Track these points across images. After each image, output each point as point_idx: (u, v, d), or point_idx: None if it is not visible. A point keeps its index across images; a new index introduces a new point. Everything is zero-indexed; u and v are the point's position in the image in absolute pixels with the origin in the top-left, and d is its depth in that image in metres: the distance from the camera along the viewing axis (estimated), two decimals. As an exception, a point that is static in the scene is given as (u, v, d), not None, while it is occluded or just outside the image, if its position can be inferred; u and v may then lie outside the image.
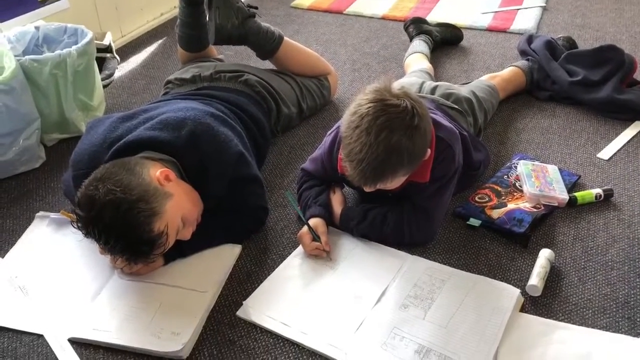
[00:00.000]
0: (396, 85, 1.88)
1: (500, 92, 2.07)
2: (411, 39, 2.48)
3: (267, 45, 2.02)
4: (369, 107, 1.29)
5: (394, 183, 1.38)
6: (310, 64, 2.11)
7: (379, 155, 1.27)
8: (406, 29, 2.54)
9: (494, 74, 2.16)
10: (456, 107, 1.76)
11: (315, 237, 1.51)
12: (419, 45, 2.38)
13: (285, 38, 2.05)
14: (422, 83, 1.88)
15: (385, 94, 1.31)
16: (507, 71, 2.19)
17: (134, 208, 1.28)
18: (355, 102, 1.34)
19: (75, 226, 1.34)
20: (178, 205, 1.37)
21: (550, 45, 2.24)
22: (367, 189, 1.40)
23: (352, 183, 1.44)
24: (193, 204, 1.46)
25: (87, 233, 1.31)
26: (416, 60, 2.28)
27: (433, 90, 1.83)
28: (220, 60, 2.13)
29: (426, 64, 2.22)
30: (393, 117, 1.28)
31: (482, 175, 1.77)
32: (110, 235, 1.28)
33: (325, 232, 1.53)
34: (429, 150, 1.39)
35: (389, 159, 1.28)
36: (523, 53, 2.33)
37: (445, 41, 2.55)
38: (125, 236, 1.29)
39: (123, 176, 1.31)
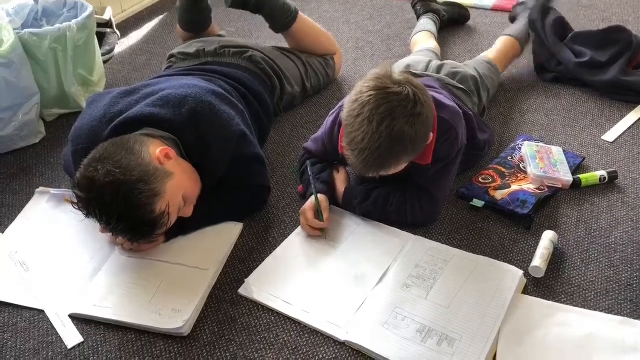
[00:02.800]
0: (402, 64, 1.87)
1: (499, 66, 2.05)
2: (418, 17, 2.45)
3: (283, 17, 1.96)
4: (370, 96, 1.27)
5: (397, 170, 1.37)
6: (322, 43, 2.08)
7: (382, 145, 1.26)
8: (414, 6, 2.50)
9: (490, 50, 2.13)
10: (462, 87, 1.74)
11: (319, 213, 1.50)
12: (427, 23, 2.35)
13: (300, 13, 2.01)
14: (429, 62, 1.85)
15: (386, 81, 1.29)
16: (501, 43, 2.15)
17: (134, 189, 1.27)
18: (356, 89, 1.32)
19: (76, 207, 1.32)
20: (179, 184, 1.36)
21: (560, 23, 2.19)
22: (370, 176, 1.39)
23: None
24: (193, 182, 1.45)
25: (88, 214, 1.30)
26: (423, 39, 2.25)
27: (439, 69, 1.80)
28: (222, 36, 2.10)
29: (433, 44, 2.19)
30: (395, 106, 1.26)
31: (486, 156, 1.76)
32: (112, 216, 1.27)
33: (327, 209, 1.52)
34: (431, 134, 1.38)
35: (391, 148, 1.27)
36: (530, 22, 2.24)
37: (452, 21, 2.51)
38: (127, 217, 1.28)
39: (123, 156, 1.29)
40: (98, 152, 1.31)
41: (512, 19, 2.36)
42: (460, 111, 1.52)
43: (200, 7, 1.92)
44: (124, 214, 1.27)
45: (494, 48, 2.13)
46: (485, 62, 1.99)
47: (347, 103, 1.32)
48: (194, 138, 1.44)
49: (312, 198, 1.52)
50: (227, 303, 1.36)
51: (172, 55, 1.89)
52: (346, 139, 1.32)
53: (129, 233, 1.33)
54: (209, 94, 1.50)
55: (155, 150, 1.35)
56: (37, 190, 1.68)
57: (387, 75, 1.31)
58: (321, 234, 1.50)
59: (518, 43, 2.15)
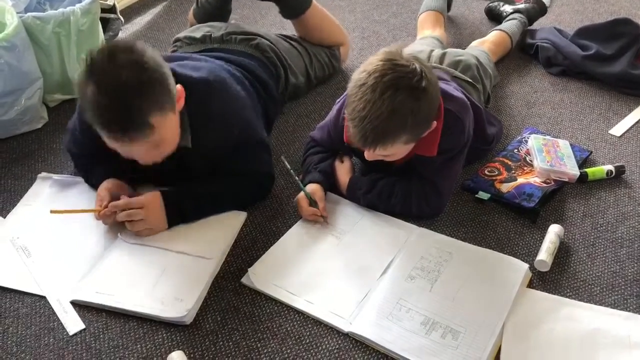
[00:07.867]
0: (406, 51, 1.85)
1: (492, 56, 2.04)
2: None
3: (297, 4, 1.93)
4: (377, 65, 1.27)
5: (395, 149, 1.33)
6: (332, 33, 2.04)
7: (382, 114, 1.24)
8: None
9: (482, 40, 2.13)
10: (469, 79, 1.72)
11: (312, 203, 1.49)
12: (435, 0, 2.30)
13: (315, 2, 1.97)
14: (431, 51, 1.82)
15: (396, 55, 1.29)
16: (494, 35, 2.15)
17: (155, 72, 1.29)
18: (365, 62, 1.31)
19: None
20: (173, 124, 1.33)
21: (556, 29, 2.21)
22: (367, 154, 1.36)
23: (358, 152, 1.39)
24: (177, 136, 1.38)
25: (98, 85, 1.22)
26: (429, 23, 2.20)
27: (441, 58, 1.78)
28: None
29: (439, 31, 2.16)
30: (400, 76, 1.25)
31: (493, 149, 1.74)
32: (117, 85, 1.22)
33: (323, 198, 1.52)
34: (434, 122, 1.36)
35: (391, 118, 1.25)
36: (529, 46, 2.25)
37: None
38: (128, 93, 1.23)
39: None
40: None
41: (489, 12, 2.38)
42: (468, 103, 1.50)
43: (227, 9, 1.89)
44: (128, 84, 1.23)
45: (488, 39, 2.13)
46: (483, 52, 1.98)
47: (355, 74, 1.31)
48: (200, 105, 1.40)
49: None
50: (230, 292, 1.36)
51: (177, 39, 1.86)
52: (348, 108, 1.30)
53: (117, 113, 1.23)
54: (222, 71, 1.50)
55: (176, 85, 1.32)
56: (39, 175, 1.66)
57: (398, 51, 1.31)
58: (322, 221, 1.49)
59: (510, 40, 2.15)
